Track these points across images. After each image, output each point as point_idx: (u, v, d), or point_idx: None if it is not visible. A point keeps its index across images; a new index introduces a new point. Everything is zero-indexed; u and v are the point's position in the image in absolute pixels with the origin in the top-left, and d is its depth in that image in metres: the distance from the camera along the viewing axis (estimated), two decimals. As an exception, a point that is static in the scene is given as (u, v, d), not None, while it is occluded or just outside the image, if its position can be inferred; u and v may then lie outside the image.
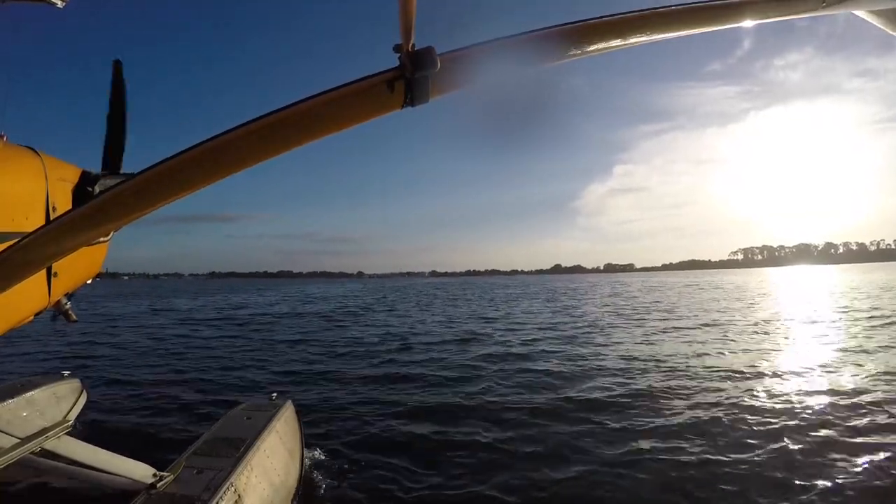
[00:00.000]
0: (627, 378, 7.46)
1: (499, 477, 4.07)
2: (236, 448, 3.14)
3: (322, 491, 3.81)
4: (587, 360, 9.12)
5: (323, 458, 4.33)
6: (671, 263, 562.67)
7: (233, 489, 2.72)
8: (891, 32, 1.48)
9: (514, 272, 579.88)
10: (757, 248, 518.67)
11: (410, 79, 1.00)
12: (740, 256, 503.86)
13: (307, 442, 4.09)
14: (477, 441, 4.89)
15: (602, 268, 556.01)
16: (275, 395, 4.33)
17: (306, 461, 3.88)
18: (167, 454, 3.22)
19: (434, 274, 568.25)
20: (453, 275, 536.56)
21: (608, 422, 5.36)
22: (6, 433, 2.03)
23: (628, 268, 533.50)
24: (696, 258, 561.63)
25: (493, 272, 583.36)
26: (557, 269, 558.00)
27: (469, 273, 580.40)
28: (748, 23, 1.27)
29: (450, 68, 1.02)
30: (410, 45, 0.95)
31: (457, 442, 4.89)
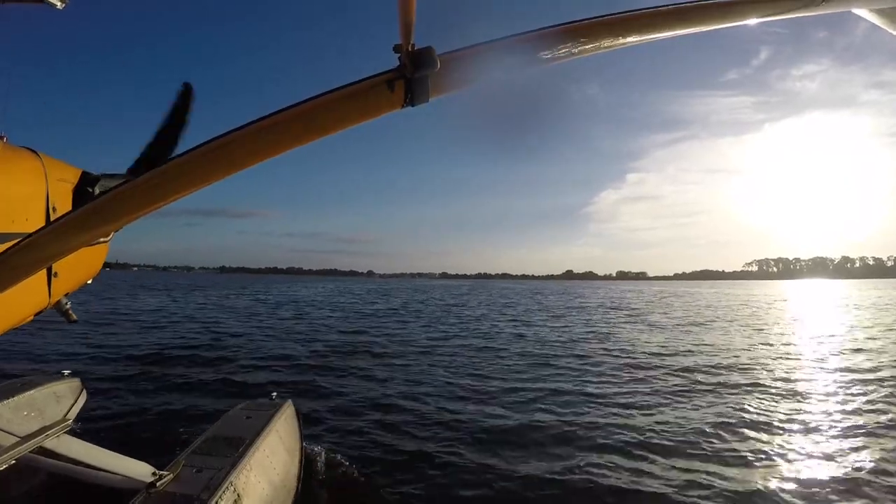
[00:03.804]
0: None
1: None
2: (236, 447, 3.13)
3: (321, 491, 3.80)
4: None
5: (322, 457, 4.32)
6: (684, 273, 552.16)
7: (232, 488, 2.71)
8: (889, 30, 1.48)
9: (525, 276, 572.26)
10: (772, 259, 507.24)
11: (410, 79, 1.01)
12: (755, 268, 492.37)
13: (306, 441, 4.09)
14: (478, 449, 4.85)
15: (614, 275, 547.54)
16: (274, 394, 4.33)
17: (306, 461, 3.87)
18: (167, 453, 3.21)
19: (444, 276, 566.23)
20: (464, 277, 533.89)
21: None
22: (6, 432, 2.03)
23: (641, 276, 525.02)
24: (709, 268, 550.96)
25: (505, 276, 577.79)
26: (569, 275, 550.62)
27: (480, 276, 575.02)
28: (748, 21, 1.26)
29: (450, 68, 1.02)
30: (410, 45, 0.95)
31: (461, 449, 4.86)
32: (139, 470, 2.65)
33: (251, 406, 4.04)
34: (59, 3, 2.02)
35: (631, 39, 1.16)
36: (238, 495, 2.72)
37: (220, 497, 2.59)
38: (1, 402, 2.33)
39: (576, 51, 1.11)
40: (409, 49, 0.96)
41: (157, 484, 2.67)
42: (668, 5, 1.16)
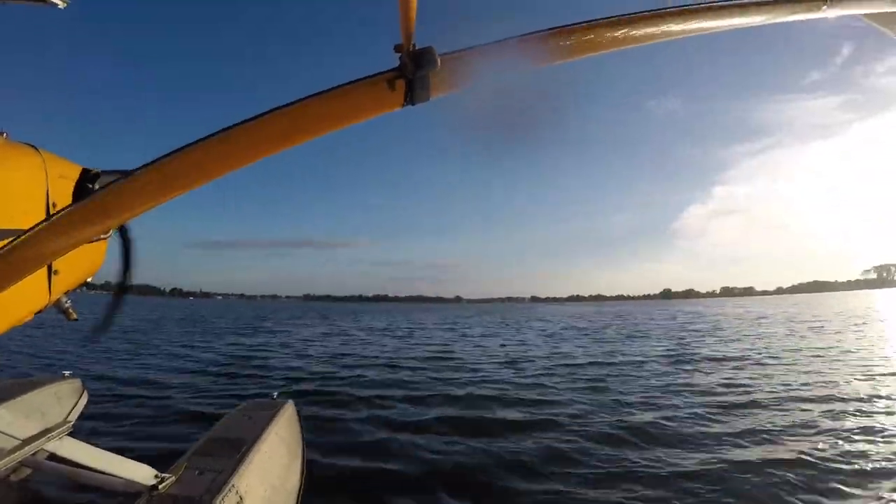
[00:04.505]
0: None
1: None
2: (237, 449, 3.11)
3: (323, 491, 3.79)
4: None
5: (323, 458, 4.31)
6: (794, 286, 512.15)
7: (234, 490, 2.70)
8: (892, 35, 1.49)
9: (621, 297, 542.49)
10: (893, 266, 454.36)
11: (411, 78, 1.02)
12: (873, 275, 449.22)
13: (308, 442, 4.07)
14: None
15: (718, 291, 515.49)
16: (275, 394, 4.31)
17: (307, 461, 3.86)
18: (168, 455, 3.20)
19: (535, 300, 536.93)
20: (556, 300, 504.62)
21: None
22: (7, 434, 2.01)
23: (748, 291, 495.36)
24: (820, 279, 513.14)
25: (599, 298, 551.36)
26: (668, 294, 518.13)
27: (573, 299, 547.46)
28: (752, 23, 1.28)
29: (450, 68, 1.04)
30: (411, 45, 0.97)
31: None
32: (141, 472, 2.63)
33: (252, 406, 4.02)
34: (60, 3, 2.00)
35: (634, 40, 1.17)
36: (240, 497, 2.71)
37: (222, 499, 2.57)
38: (2, 404, 2.31)
39: (578, 51, 1.13)
40: (410, 49, 0.98)
41: (160, 486, 2.65)
42: (672, 7, 1.18)
